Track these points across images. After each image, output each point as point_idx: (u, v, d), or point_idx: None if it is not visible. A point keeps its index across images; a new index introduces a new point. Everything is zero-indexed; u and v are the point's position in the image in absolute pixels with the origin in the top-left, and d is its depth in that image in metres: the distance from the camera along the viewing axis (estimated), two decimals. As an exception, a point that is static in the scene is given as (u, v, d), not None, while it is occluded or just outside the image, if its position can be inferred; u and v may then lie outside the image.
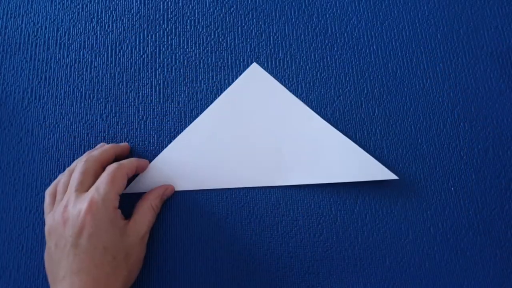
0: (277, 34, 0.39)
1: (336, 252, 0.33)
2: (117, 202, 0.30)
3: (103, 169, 0.31)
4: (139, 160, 0.33)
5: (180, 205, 0.34)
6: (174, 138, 0.35)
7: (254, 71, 0.37)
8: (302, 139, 0.35)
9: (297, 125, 0.35)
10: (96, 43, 0.38)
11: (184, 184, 0.34)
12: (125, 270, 0.29)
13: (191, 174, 0.34)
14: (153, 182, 0.34)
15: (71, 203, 0.29)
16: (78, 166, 0.30)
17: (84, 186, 0.30)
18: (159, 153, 0.35)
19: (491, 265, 0.33)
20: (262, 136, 0.35)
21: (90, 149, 0.35)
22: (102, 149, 0.32)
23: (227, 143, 0.35)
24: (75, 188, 0.29)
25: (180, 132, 0.36)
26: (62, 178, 0.31)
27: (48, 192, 0.32)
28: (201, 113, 0.36)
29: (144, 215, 0.31)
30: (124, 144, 0.35)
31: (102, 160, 0.31)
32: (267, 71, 0.37)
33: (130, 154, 0.35)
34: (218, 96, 0.37)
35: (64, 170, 0.35)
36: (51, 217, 0.29)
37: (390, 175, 0.33)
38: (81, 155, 0.35)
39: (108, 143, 0.35)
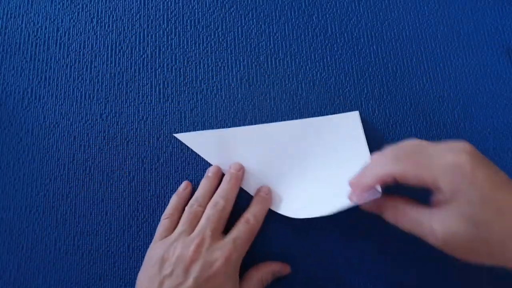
0: (277, 34, 0.39)
1: (336, 252, 0.33)
2: None
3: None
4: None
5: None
6: (174, 138, 0.35)
7: (352, 117, 0.36)
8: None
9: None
10: (96, 43, 0.38)
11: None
12: None
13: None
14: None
15: (205, 244, 0.28)
16: (218, 207, 0.30)
17: (218, 231, 0.30)
18: (159, 153, 0.35)
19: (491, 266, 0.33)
20: (319, 170, 0.34)
21: (90, 149, 0.35)
22: (229, 196, 0.32)
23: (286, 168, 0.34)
24: (211, 231, 0.29)
25: (180, 132, 0.35)
26: (186, 212, 0.31)
27: (168, 217, 0.32)
28: (201, 113, 0.36)
29: (253, 287, 0.30)
30: (242, 173, 0.34)
31: (231, 208, 0.32)
32: (267, 71, 0.37)
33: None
34: (218, 95, 0.37)
35: (64, 170, 0.35)
36: (174, 244, 0.29)
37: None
38: (81, 155, 0.35)
39: (108, 143, 0.35)
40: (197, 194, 0.33)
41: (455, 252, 0.23)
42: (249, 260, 0.31)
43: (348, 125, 0.35)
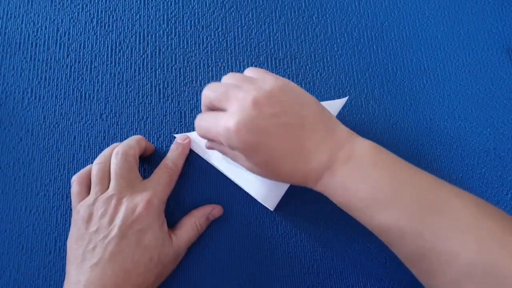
0: (277, 34, 0.38)
1: (336, 252, 0.33)
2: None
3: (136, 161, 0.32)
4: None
5: (180, 204, 0.34)
6: (174, 139, 0.35)
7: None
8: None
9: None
10: (96, 43, 0.38)
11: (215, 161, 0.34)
12: (153, 276, 0.29)
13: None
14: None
15: (125, 196, 0.29)
16: (118, 160, 0.31)
17: (132, 180, 0.30)
18: (159, 153, 0.35)
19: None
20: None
21: (90, 149, 0.35)
22: (135, 146, 0.32)
23: None
24: (126, 184, 0.30)
25: (180, 132, 0.36)
26: (94, 170, 0.31)
27: (77, 181, 0.31)
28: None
29: (187, 232, 0.31)
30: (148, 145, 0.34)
31: (138, 154, 0.32)
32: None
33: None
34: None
35: (64, 170, 0.35)
36: (92, 205, 0.29)
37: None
38: (81, 155, 0.35)
39: (108, 143, 0.35)
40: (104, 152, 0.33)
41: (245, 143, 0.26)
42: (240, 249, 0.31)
43: None
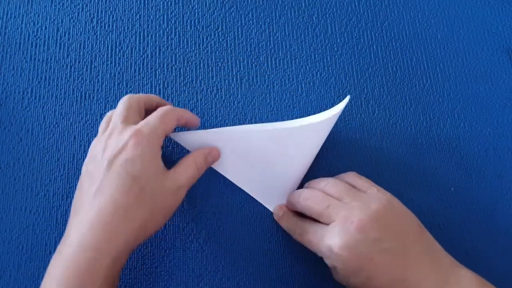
0: (277, 34, 0.39)
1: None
2: (162, 141, 0.29)
3: (145, 112, 0.31)
4: (192, 114, 0.32)
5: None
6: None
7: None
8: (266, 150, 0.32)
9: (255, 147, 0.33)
10: (96, 43, 0.38)
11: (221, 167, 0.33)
12: (147, 210, 0.27)
13: (228, 160, 0.33)
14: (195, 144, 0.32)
15: (116, 131, 0.28)
16: (121, 102, 0.30)
17: (130, 119, 0.29)
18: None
19: (491, 265, 0.33)
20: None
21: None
22: (143, 95, 0.32)
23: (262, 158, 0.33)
24: (120, 119, 0.29)
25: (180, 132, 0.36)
26: (106, 116, 0.31)
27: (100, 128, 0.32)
28: (201, 113, 0.36)
29: (186, 168, 0.29)
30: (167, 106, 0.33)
31: (144, 99, 0.31)
32: (267, 71, 0.37)
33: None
34: (218, 95, 0.37)
35: (64, 170, 0.35)
36: (94, 147, 0.29)
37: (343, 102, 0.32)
38: (81, 155, 0.35)
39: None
40: None
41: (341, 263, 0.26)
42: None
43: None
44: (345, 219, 0.26)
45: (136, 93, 0.36)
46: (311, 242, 0.28)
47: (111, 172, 0.26)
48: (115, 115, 0.30)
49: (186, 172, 0.29)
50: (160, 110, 0.29)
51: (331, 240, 0.26)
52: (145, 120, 0.29)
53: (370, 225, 0.26)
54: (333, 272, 0.28)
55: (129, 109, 0.30)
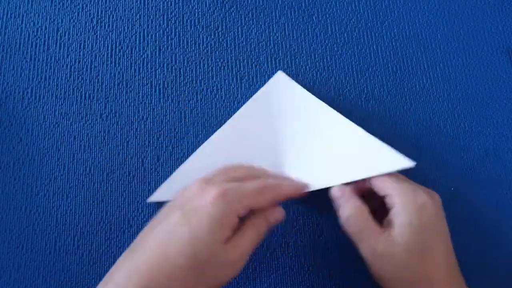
0: (277, 34, 0.39)
1: (336, 252, 0.33)
2: (242, 215, 0.25)
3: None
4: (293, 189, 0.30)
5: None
6: (174, 138, 0.35)
7: (280, 79, 0.36)
8: (330, 142, 0.33)
9: (325, 130, 0.34)
10: (96, 43, 0.38)
11: None
12: (194, 280, 0.24)
13: None
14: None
15: (209, 183, 0.26)
16: (248, 186, 0.27)
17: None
18: (159, 153, 0.35)
19: (491, 265, 0.33)
20: (291, 144, 0.34)
21: (90, 149, 0.35)
22: (275, 191, 0.28)
23: (255, 153, 0.33)
24: (221, 180, 0.27)
25: (180, 132, 0.36)
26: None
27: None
28: (201, 113, 0.36)
29: (248, 239, 0.26)
30: (303, 185, 0.30)
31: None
32: (267, 71, 0.37)
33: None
34: (218, 95, 0.37)
35: (64, 170, 0.35)
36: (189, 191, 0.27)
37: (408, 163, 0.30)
38: (81, 155, 0.35)
39: (108, 143, 0.35)
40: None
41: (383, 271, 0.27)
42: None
43: (284, 89, 0.36)
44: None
45: (136, 93, 0.36)
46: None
47: (182, 214, 0.25)
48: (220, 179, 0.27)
49: (247, 241, 0.26)
50: (260, 182, 0.27)
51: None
52: (241, 184, 0.26)
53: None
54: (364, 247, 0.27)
55: (237, 194, 0.26)
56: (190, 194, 0.26)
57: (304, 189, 0.30)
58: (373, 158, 0.31)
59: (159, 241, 0.25)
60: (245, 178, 0.28)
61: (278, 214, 0.28)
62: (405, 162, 0.29)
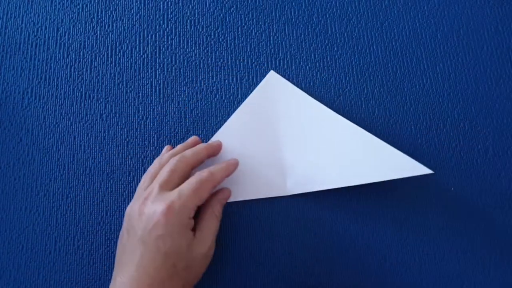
0: (277, 34, 0.39)
1: (336, 252, 0.33)
2: (193, 212, 0.29)
3: (191, 170, 0.31)
4: (227, 166, 0.32)
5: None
6: (174, 138, 0.35)
7: (272, 78, 0.37)
8: (329, 142, 0.34)
9: (322, 129, 0.34)
10: (96, 43, 0.38)
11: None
12: (181, 281, 0.28)
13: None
14: None
15: (151, 198, 0.28)
16: (170, 163, 0.30)
17: (169, 184, 0.29)
18: (159, 153, 0.35)
19: (491, 265, 0.33)
20: (288, 144, 0.35)
21: (90, 149, 0.35)
22: (195, 151, 0.32)
23: (252, 155, 0.34)
24: (159, 184, 0.29)
25: (180, 132, 0.36)
26: (151, 169, 0.31)
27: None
28: (201, 113, 0.36)
29: (209, 224, 0.30)
30: (217, 144, 0.34)
31: (193, 163, 0.31)
32: (267, 71, 0.37)
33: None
34: (218, 95, 0.37)
35: (64, 170, 0.35)
36: (132, 203, 0.30)
37: (424, 170, 0.30)
38: (81, 155, 0.35)
39: (108, 143, 0.35)
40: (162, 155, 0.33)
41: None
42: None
43: (278, 89, 0.36)
44: None
45: (136, 93, 0.36)
46: None
47: (145, 248, 0.27)
48: (159, 175, 0.30)
49: (210, 228, 0.30)
50: (195, 181, 0.29)
51: None
52: (180, 189, 0.29)
53: None
54: None
55: (172, 173, 0.30)
56: (138, 216, 0.28)
57: (218, 148, 0.34)
58: (386, 162, 0.32)
59: (137, 274, 0.27)
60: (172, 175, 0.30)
61: (226, 193, 0.33)
62: (423, 169, 0.30)
